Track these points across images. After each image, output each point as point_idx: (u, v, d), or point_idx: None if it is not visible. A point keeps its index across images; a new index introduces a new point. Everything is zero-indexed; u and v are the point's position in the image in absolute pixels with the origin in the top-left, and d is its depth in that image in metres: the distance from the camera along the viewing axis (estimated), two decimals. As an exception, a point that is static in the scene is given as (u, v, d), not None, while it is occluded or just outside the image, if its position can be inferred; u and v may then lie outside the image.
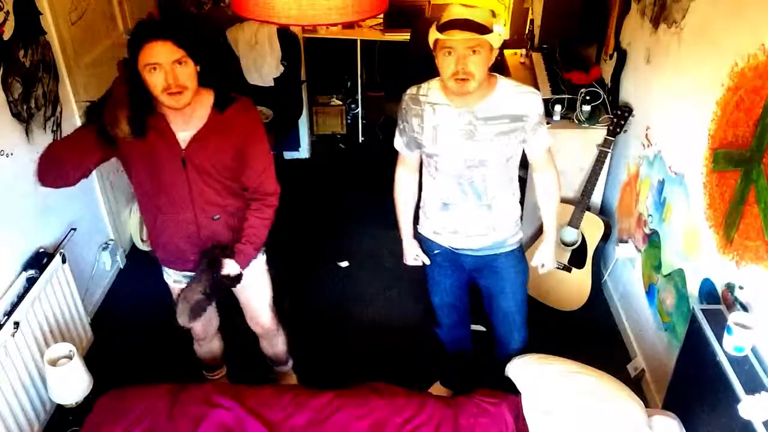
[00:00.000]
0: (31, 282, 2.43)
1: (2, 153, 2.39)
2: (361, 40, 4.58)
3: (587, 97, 3.08)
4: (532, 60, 3.58)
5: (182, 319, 2.04)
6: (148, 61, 1.76)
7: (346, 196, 4.24)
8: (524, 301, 2.36)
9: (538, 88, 2.84)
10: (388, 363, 2.89)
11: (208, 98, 1.96)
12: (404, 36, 4.38)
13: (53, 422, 2.52)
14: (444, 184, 2.13)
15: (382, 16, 4.40)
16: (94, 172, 3.08)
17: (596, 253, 3.05)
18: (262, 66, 4.02)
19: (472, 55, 1.86)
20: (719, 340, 1.89)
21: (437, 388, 2.75)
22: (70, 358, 2.23)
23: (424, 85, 2.08)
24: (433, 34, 1.88)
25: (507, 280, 2.29)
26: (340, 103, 4.95)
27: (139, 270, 3.45)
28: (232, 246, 2.08)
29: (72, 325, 2.71)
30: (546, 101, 3.02)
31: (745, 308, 1.96)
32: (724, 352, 1.87)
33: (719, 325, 1.92)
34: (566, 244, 3.08)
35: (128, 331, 3.02)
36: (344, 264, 3.57)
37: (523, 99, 2.01)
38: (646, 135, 2.80)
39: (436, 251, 2.31)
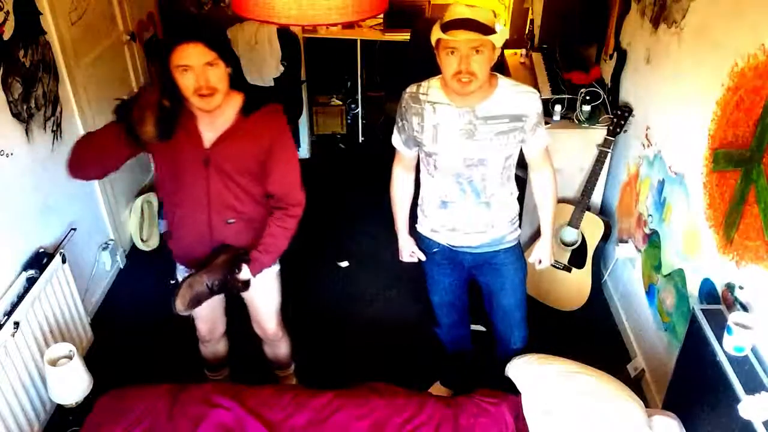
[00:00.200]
0: (31, 282, 2.43)
1: (2, 153, 2.39)
2: (361, 40, 4.58)
3: (587, 97, 3.08)
4: (532, 60, 3.58)
5: (179, 304, 1.99)
6: (179, 62, 1.78)
7: (346, 196, 4.24)
8: (524, 299, 2.36)
9: (538, 88, 2.85)
10: (388, 363, 2.89)
11: (236, 101, 1.97)
12: (404, 36, 4.39)
13: (53, 422, 2.52)
14: (443, 182, 2.13)
15: (382, 16, 4.40)
16: (94, 172, 3.13)
17: (596, 253, 3.05)
18: (262, 66, 4.02)
19: (475, 55, 1.86)
20: (719, 340, 1.89)
21: (437, 388, 2.75)
22: (70, 358, 2.23)
23: (424, 84, 2.07)
24: (436, 34, 1.88)
25: (506, 276, 2.29)
26: (340, 103, 4.95)
27: (139, 270, 3.45)
28: (249, 252, 2.07)
29: (72, 325, 2.71)
30: (546, 101, 3.03)
31: (745, 308, 1.96)
32: (724, 352, 1.87)
33: (719, 325, 1.92)
34: (566, 244, 3.08)
35: (128, 331, 3.02)
36: (344, 264, 3.57)
37: (523, 99, 2.02)
38: (646, 135, 2.80)
39: (434, 249, 2.31)
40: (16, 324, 2.28)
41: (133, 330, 3.01)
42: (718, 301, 2.11)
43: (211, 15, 4.22)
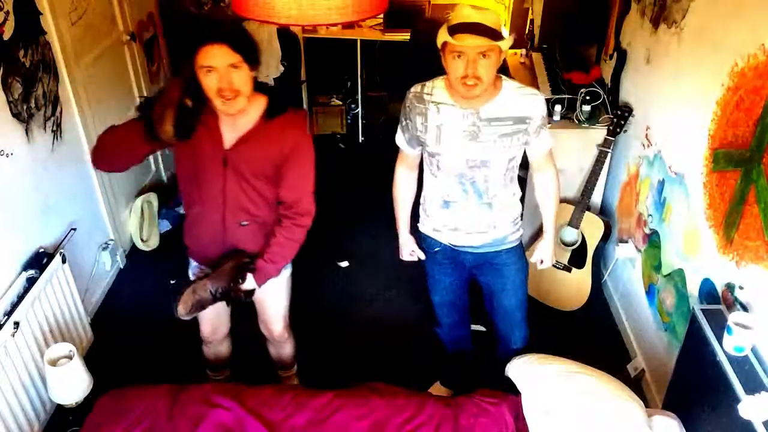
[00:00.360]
0: (31, 282, 2.43)
1: (2, 153, 2.39)
2: (361, 40, 4.58)
3: (587, 97, 3.08)
4: (532, 60, 3.58)
5: (181, 309, 2.00)
6: (203, 63, 1.78)
7: (346, 196, 4.24)
8: (524, 299, 2.36)
9: (538, 88, 2.85)
10: (388, 363, 2.89)
11: (259, 104, 1.96)
12: (404, 36, 4.39)
13: (53, 422, 2.52)
14: (445, 182, 2.13)
15: (382, 16, 4.40)
16: (93, 172, 3.13)
17: (596, 253, 3.05)
18: (262, 66, 4.01)
19: (482, 60, 1.84)
20: (719, 340, 1.89)
21: (437, 388, 2.75)
22: (70, 358, 2.23)
23: (429, 84, 2.07)
24: (443, 36, 1.86)
25: (507, 277, 2.29)
26: (340, 103, 4.95)
27: (139, 270, 3.45)
28: (255, 260, 2.07)
29: (72, 325, 2.71)
30: (546, 101, 3.01)
31: (745, 308, 1.96)
32: (724, 352, 1.87)
33: (719, 325, 1.92)
34: (566, 244, 3.08)
35: (128, 331, 3.02)
36: (344, 264, 3.57)
37: (527, 101, 2.01)
38: (646, 135, 2.80)
39: (436, 249, 2.31)
40: (16, 324, 2.28)
41: (133, 330, 3.01)
42: (718, 301, 2.11)
43: (211, 15, 4.23)
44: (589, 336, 3.04)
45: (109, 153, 1.96)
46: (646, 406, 2.11)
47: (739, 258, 1.99)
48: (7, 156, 2.42)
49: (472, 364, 2.73)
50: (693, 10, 2.37)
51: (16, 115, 2.49)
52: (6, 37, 2.41)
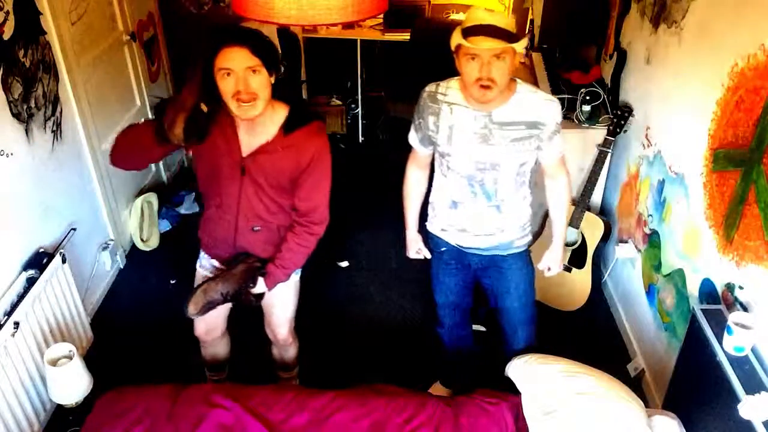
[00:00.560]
0: (31, 282, 2.43)
1: (2, 153, 2.38)
2: (361, 40, 4.58)
3: (587, 97, 3.08)
4: (532, 60, 3.58)
5: (192, 308, 2.01)
6: (221, 65, 1.76)
7: (345, 196, 4.23)
8: (530, 303, 2.34)
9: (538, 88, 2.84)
10: (388, 363, 2.89)
11: (280, 114, 1.96)
12: (404, 36, 4.39)
13: (53, 422, 2.52)
14: (455, 183, 2.12)
15: (382, 16, 4.40)
16: (93, 172, 3.13)
17: (596, 253, 3.05)
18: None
19: (496, 62, 1.84)
20: (719, 340, 1.89)
21: (437, 388, 2.74)
22: (70, 358, 2.23)
23: (443, 84, 2.06)
24: (457, 39, 1.85)
25: (512, 281, 2.28)
26: (340, 103, 4.95)
27: (139, 270, 3.45)
28: (266, 265, 2.08)
29: (72, 325, 2.71)
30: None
31: (745, 308, 1.96)
32: (724, 352, 1.87)
33: (719, 325, 1.92)
34: (566, 244, 3.08)
35: (128, 331, 3.02)
36: (344, 264, 3.57)
37: (542, 106, 2.00)
38: (646, 135, 2.80)
39: (442, 248, 2.31)
40: (16, 324, 2.28)
41: (133, 330, 3.01)
42: (718, 301, 2.11)
43: (211, 15, 4.22)
44: (589, 336, 3.04)
45: (126, 153, 1.96)
46: (646, 406, 2.11)
47: (739, 258, 1.99)
48: (7, 156, 2.42)
49: (472, 365, 2.73)
50: (693, 10, 2.37)
51: (16, 115, 2.49)
52: (6, 37, 2.41)
